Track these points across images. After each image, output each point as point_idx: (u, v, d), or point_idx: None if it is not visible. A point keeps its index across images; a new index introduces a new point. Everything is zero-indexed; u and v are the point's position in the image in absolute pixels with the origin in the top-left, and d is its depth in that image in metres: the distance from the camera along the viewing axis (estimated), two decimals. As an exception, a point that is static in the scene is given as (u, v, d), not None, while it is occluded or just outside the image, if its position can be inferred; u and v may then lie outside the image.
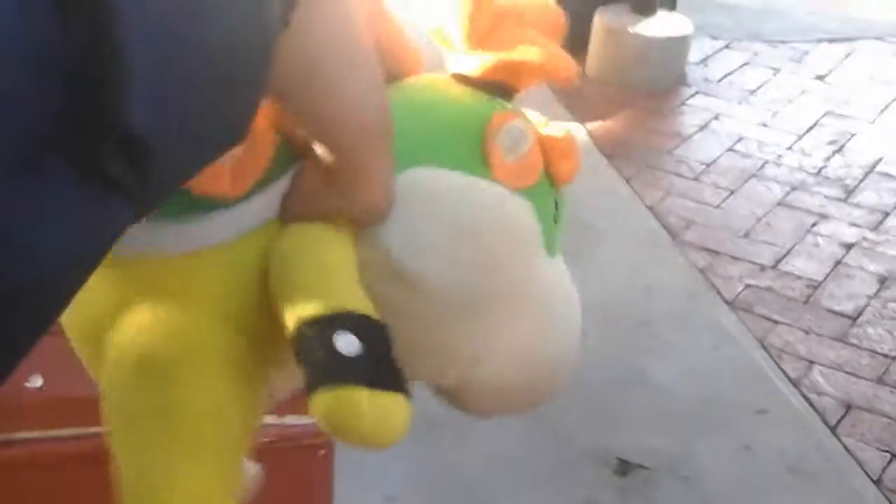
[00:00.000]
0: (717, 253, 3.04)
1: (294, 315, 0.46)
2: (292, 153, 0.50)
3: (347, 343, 0.45)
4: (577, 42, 3.99)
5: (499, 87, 0.55)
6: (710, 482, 2.27)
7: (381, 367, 0.46)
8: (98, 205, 0.31)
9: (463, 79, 0.55)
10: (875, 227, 3.21)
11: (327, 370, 0.45)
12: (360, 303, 0.48)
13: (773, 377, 2.60)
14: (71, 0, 0.28)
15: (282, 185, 0.50)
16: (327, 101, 0.45)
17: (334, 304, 0.47)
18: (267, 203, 0.49)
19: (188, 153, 0.34)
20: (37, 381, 0.98)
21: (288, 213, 0.50)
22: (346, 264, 0.50)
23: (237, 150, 0.44)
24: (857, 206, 3.32)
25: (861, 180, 3.46)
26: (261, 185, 0.49)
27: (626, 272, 2.90)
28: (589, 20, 3.96)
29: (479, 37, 0.54)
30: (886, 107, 3.90)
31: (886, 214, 3.28)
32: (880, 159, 3.56)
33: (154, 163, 0.31)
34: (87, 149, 0.29)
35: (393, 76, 0.54)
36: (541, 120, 0.57)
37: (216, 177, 0.47)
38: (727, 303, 2.84)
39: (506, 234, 0.53)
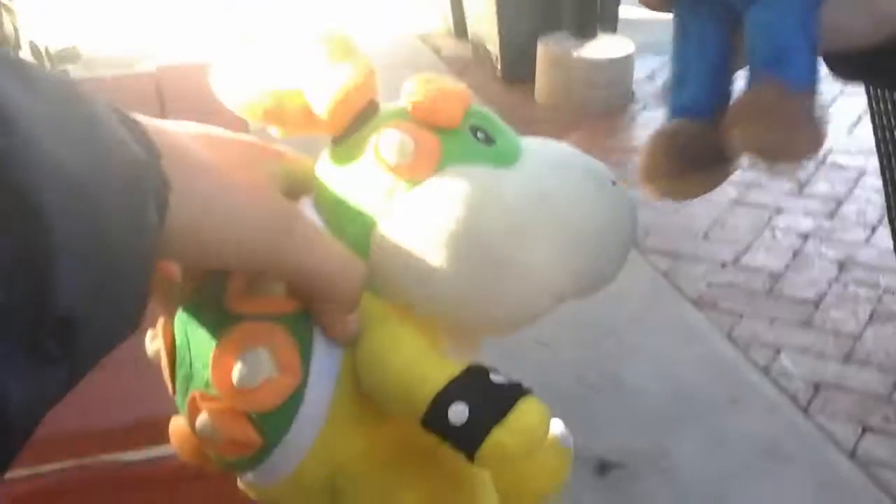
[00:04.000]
0: (678, 255, 3.10)
1: (412, 416, 0.51)
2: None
3: (457, 413, 0.50)
4: (523, 71, 4.08)
5: None
6: (688, 473, 2.31)
7: (489, 406, 0.50)
8: (38, 378, 0.37)
9: None
10: (830, 216, 3.27)
11: (461, 446, 0.50)
12: (444, 367, 0.51)
13: (741, 367, 2.65)
14: (2, 214, 0.34)
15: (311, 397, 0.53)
16: (227, 241, 0.49)
17: (428, 387, 0.51)
18: (308, 419, 0.53)
19: (107, 329, 0.40)
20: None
21: (337, 341, 0.53)
22: (409, 340, 0.53)
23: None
24: (812, 196, 3.39)
25: (814, 172, 3.53)
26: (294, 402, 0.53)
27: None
28: (532, 49, 4.04)
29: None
30: (833, 99, 3.98)
31: (840, 203, 3.34)
32: (830, 151, 3.63)
33: (83, 336, 0.38)
34: (28, 334, 0.36)
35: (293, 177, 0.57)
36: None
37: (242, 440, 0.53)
38: (692, 301, 2.89)
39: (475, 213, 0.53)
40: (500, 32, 4.17)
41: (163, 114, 1.04)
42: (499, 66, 4.22)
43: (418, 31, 4.83)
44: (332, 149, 0.57)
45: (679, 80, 0.63)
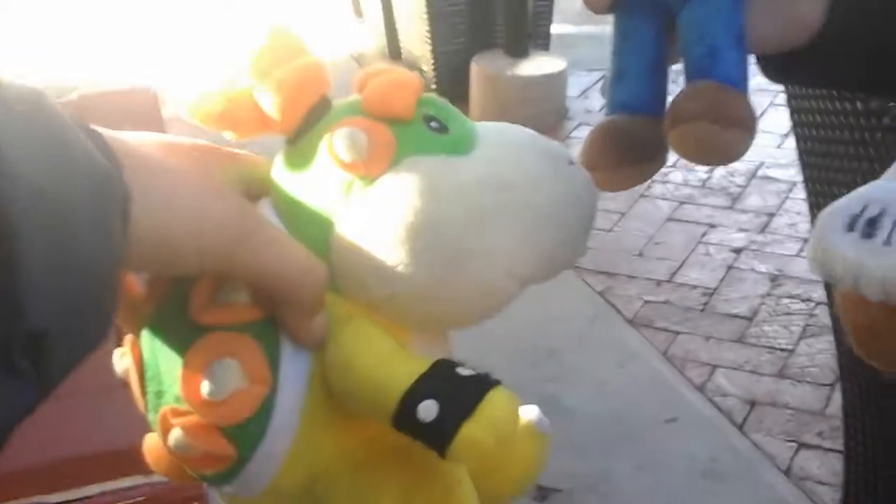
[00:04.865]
0: (614, 275, 3.12)
1: (382, 417, 0.51)
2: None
3: (426, 411, 0.49)
4: (458, 91, 4.09)
5: None
6: (627, 495, 2.33)
7: (457, 400, 0.50)
8: (10, 394, 0.37)
9: None
10: (762, 230, 3.32)
11: (432, 443, 0.50)
12: (412, 365, 0.51)
13: (678, 386, 2.68)
14: None
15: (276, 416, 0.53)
16: (189, 243, 0.48)
17: (396, 387, 0.50)
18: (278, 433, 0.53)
19: (76, 342, 0.40)
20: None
21: (304, 346, 0.53)
22: (375, 340, 0.53)
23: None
24: (744, 210, 3.43)
25: (745, 187, 3.57)
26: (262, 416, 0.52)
27: (528, 304, 2.94)
28: (466, 68, 4.06)
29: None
30: (763, 112, 4.03)
31: (772, 216, 3.39)
32: (761, 164, 3.68)
33: (53, 351, 0.38)
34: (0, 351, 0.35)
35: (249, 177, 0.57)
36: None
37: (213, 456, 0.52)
38: (628, 321, 2.92)
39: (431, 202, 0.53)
40: (433, 53, 4.18)
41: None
42: (434, 86, 4.24)
43: (352, 52, 4.83)
44: (287, 149, 0.56)
45: (619, 77, 0.66)
